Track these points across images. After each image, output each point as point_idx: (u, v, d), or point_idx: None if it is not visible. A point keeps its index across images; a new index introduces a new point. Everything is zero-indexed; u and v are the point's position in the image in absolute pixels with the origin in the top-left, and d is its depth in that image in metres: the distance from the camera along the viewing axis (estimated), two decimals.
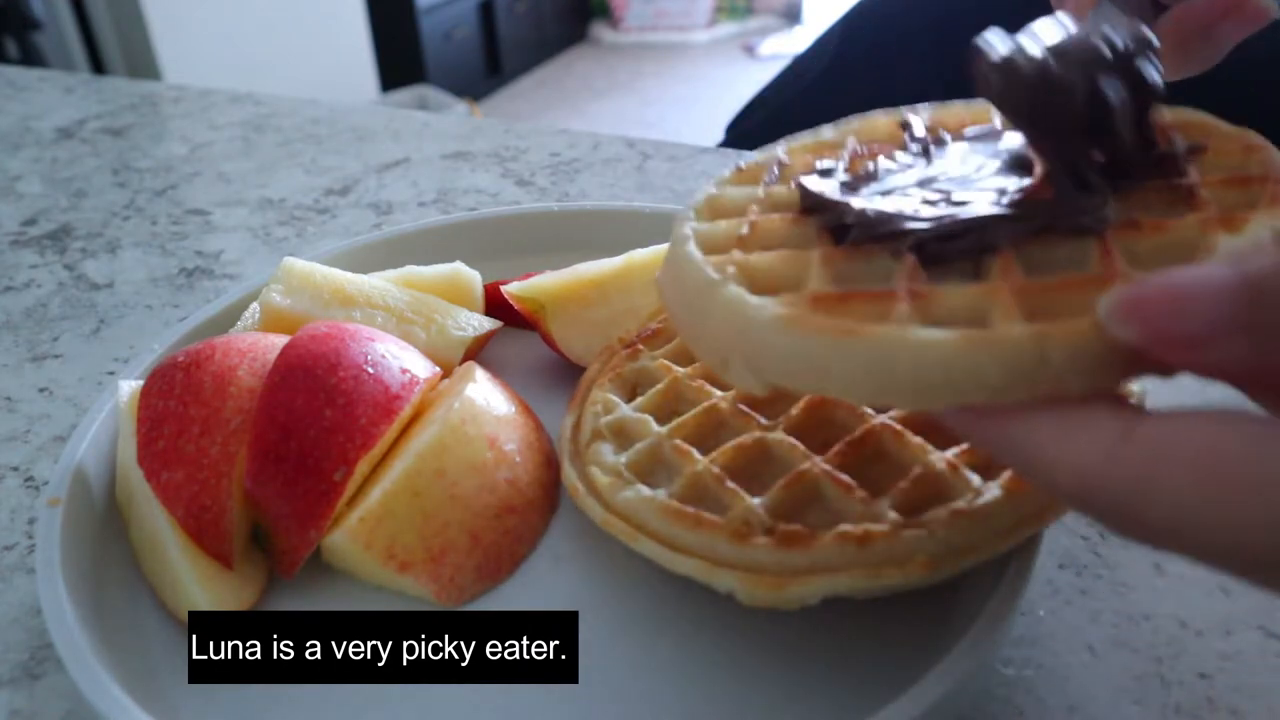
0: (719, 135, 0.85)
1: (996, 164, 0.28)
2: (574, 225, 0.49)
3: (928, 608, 0.30)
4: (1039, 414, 0.21)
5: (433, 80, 2.98)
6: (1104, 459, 0.19)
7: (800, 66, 0.83)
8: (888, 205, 0.26)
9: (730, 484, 0.30)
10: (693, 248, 0.28)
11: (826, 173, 0.30)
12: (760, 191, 0.31)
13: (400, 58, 2.99)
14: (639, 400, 0.35)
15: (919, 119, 0.32)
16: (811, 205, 0.28)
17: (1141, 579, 0.33)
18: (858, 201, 0.27)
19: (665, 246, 0.42)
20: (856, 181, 0.29)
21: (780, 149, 0.34)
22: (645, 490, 0.31)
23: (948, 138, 0.31)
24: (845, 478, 0.29)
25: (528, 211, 0.50)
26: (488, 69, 3.43)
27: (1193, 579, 0.33)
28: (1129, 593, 0.33)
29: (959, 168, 0.28)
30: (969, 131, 0.31)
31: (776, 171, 0.32)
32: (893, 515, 0.27)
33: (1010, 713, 0.29)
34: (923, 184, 0.28)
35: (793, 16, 4.01)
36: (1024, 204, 0.25)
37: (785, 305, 0.24)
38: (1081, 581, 0.33)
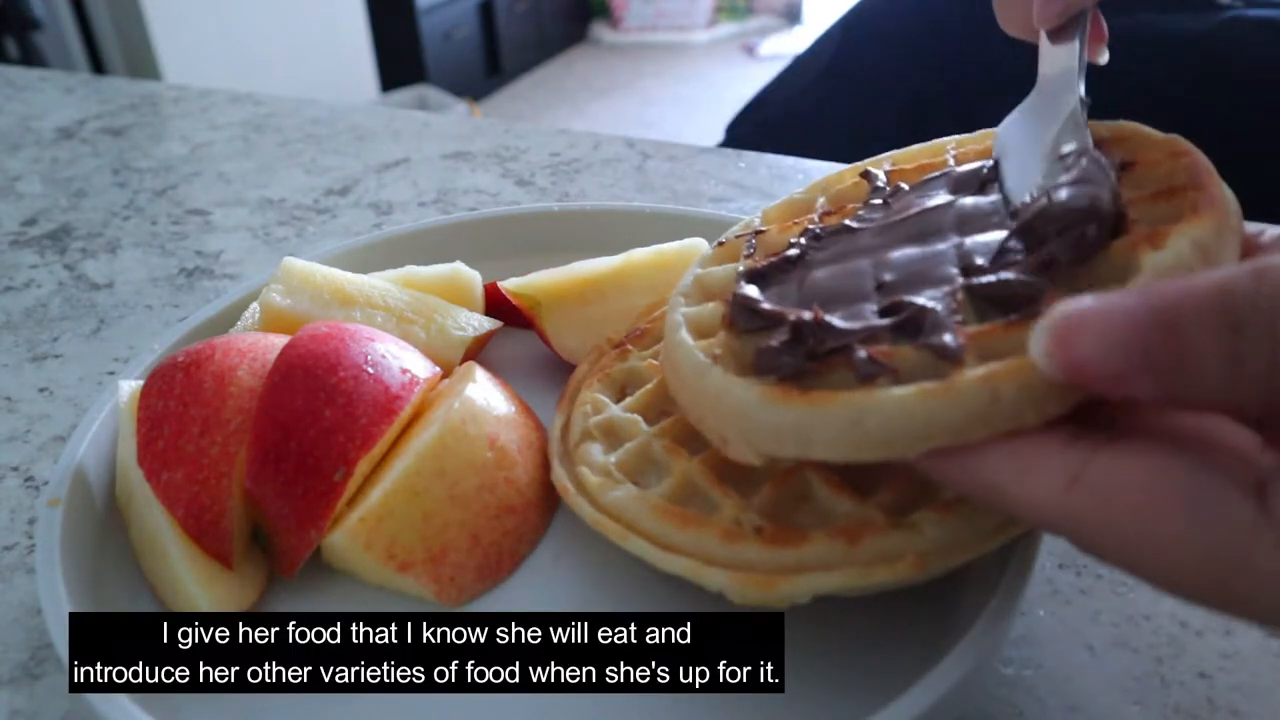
0: (719, 135, 0.85)
1: (951, 223, 0.30)
2: (574, 225, 0.49)
3: (927, 608, 0.30)
4: (996, 458, 0.23)
5: (433, 80, 2.98)
6: (1056, 503, 0.21)
7: (800, 66, 0.83)
8: (832, 315, 0.28)
9: (720, 483, 0.30)
10: (684, 334, 0.31)
11: (762, 276, 0.32)
12: (741, 267, 0.33)
13: (400, 58, 2.99)
14: (628, 400, 0.35)
15: (880, 171, 0.36)
16: (749, 328, 0.30)
17: None
18: (793, 315, 0.28)
19: (665, 247, 0.42)
20: (791, 273, 0.31)
21: (757, 218, 0.37)
22: (635, 489, 0.31)
23: (906, 189, 0.34)
24: (835, 477, 0.29)
25: (528, 211, 0.50)
26: (488, 69, 3.43)
27: None
28: (1129, 593, 0.33)
29: (911, 239, 0.31)
30: (928, 179, 0.34)
31: (754, 243, 0.34)
32: (882, 514, 0.27)
33: (1010, 713, 0.29)
34: (875, 270, 0.30)
35: (793, 16, 4.01)
36: (974, 292, 0.27)
37: (766, 383, 0.27)
38: (1081, 581, 0.33)
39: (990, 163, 0.33)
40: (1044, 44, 0.33)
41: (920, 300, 0.27)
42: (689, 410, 0.30)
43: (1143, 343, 0.19)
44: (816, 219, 0.34)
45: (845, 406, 0.25)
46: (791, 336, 0.27)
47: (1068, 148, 0.29)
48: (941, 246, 0.29)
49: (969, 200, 0.31)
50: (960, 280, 0.27)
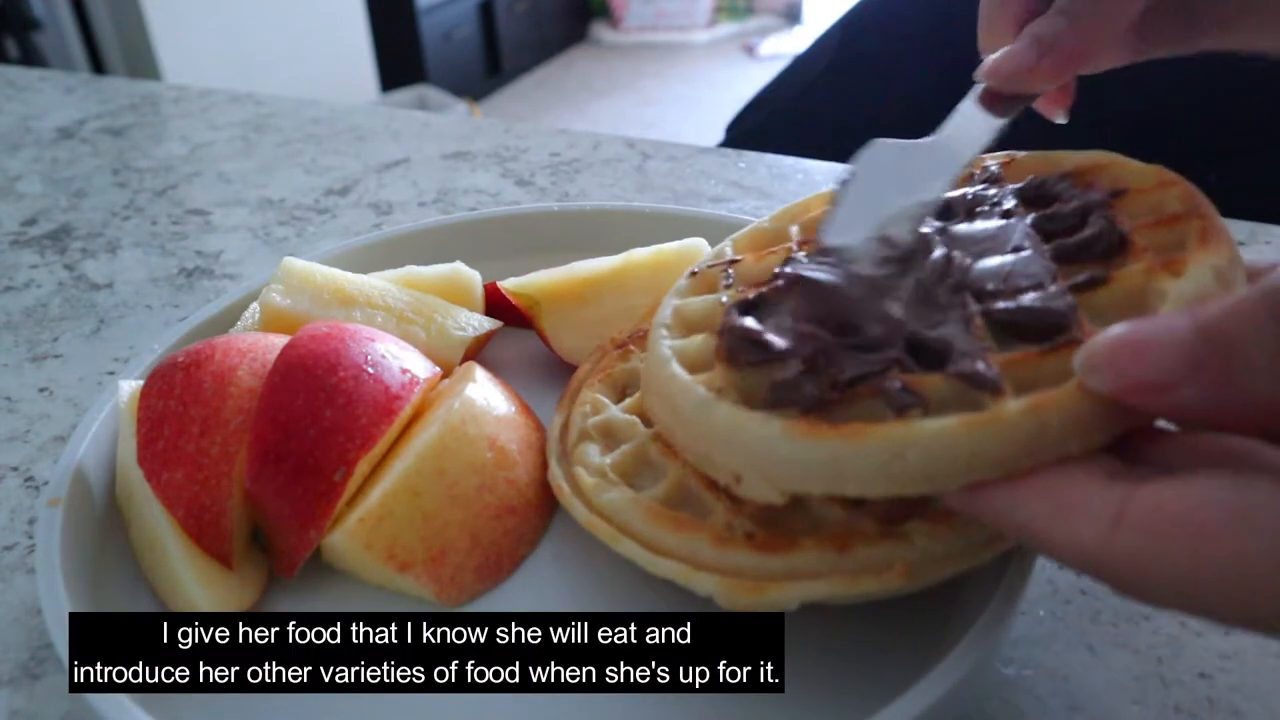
0: (719, 135, 0.85)
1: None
2: (574, 225, 0.49)
3: (928, 608, 0.30)
4: (1035, 500, 0.23)
5: (433, 80, 2.98)
6: (1100, 545, 0.21)
7: (800, 66, 0.83)
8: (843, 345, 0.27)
9: (713, 488, 0.30)
10: (677, 368, 0.29)
11: (754, 306, 0.31)
12: (723, 298, 0.32)
13: (400, 58, 2.99)
14: (627, 401, 0.35)
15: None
16: (752, 360, 0.28)
17: None
18: (806, 344, 0.27)
19: (665, 247, 0.42)
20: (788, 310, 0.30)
21: (728, 246, 0.36)
22: (629, 492, 0.31)
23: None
24: None
25: (528, 211, 0.50)
26: (488, 69, 3.43)
27: None
28: None
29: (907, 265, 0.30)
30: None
31: (731, 274, 0.33)
32: (873, 523, 0.27)
33: (1010, 713, 0.29)
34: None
35: (793, 16, 4.01)
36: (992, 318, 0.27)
37: (787, 417, 0.25)
38: (1081, 581, 0.33)
39: (973, 190, 0.33)
40: (971, 103, 0.33)
41: (940, 329, 0.26)
42: (688, 448, 0.29)
43: (1192, 355, 0.20)
44: (796, 247, 0.33)
45: (884, 440, 0.24)
46: (807, 367, 0.26)
47: (895, 232, 0.30)
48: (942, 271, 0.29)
49: (961, 226, 0.31)
50: (975, 307, 0.27)
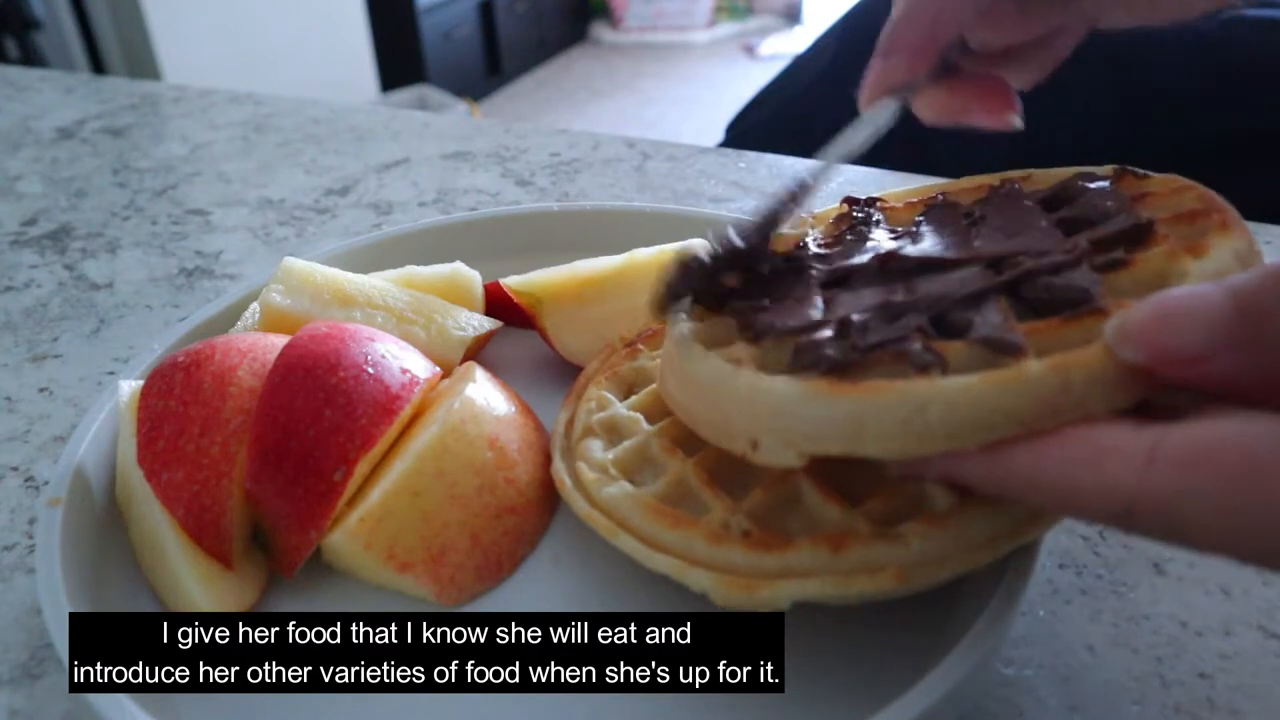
0: (719, 135, 0.85)
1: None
2: (574, 225, 0.49)
3: (928, 608, 0.30)
4: (1068, 449, 0.22)
5: (433, 80, 2.98)
6: (1137, 481, 0.20)
7: (800, 66, 0.83)
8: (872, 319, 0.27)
9: (712, 485, 0.30)
10: (696, 345, 0.29)
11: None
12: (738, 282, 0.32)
13: (400, 58, 2.99)
14: (632, 399, 0.35)
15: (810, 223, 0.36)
16: (778, 332, 0.28)
17: (1141, 579, 0.33)
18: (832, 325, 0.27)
19: (667, 247, 0.42)
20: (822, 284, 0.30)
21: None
22: (629, 487, 0.31)
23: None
24: (826, 484, 0.29)
25: (528, 211, 0.50)
26: (488, 69, 3.43)
27: (1192, 579, 0.33)
28: (1129, 593, 0.33)
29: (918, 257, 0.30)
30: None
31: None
32: (869, 524, 0.27)
33: (1010, 713, 0.29)
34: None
35: (793, 16, 4.01)
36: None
37: (809, 378, 0.25)
38: (1081, 581, 0.33)
39: (993, 199, 0.33)
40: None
41: (962, 305, 0.26)
42: (705, 420, 0.28)
43: (1226, 324, 0.20)
44: (812, 237, 0.34)
45: (905, 395, 0.23)
46: (836, 333, 0.26)
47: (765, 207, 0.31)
48: (955, 263, 0.29)
49: (985, 223, 0.31)
50: (996, 281, 0.27)
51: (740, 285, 0.32)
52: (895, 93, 0.34)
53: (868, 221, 0.34)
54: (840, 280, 0.30)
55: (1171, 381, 0.22)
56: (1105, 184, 0.31)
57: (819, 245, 0.33)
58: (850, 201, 0.36)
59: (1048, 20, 0.34)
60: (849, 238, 0.33)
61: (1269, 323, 0.20)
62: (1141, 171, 0.31)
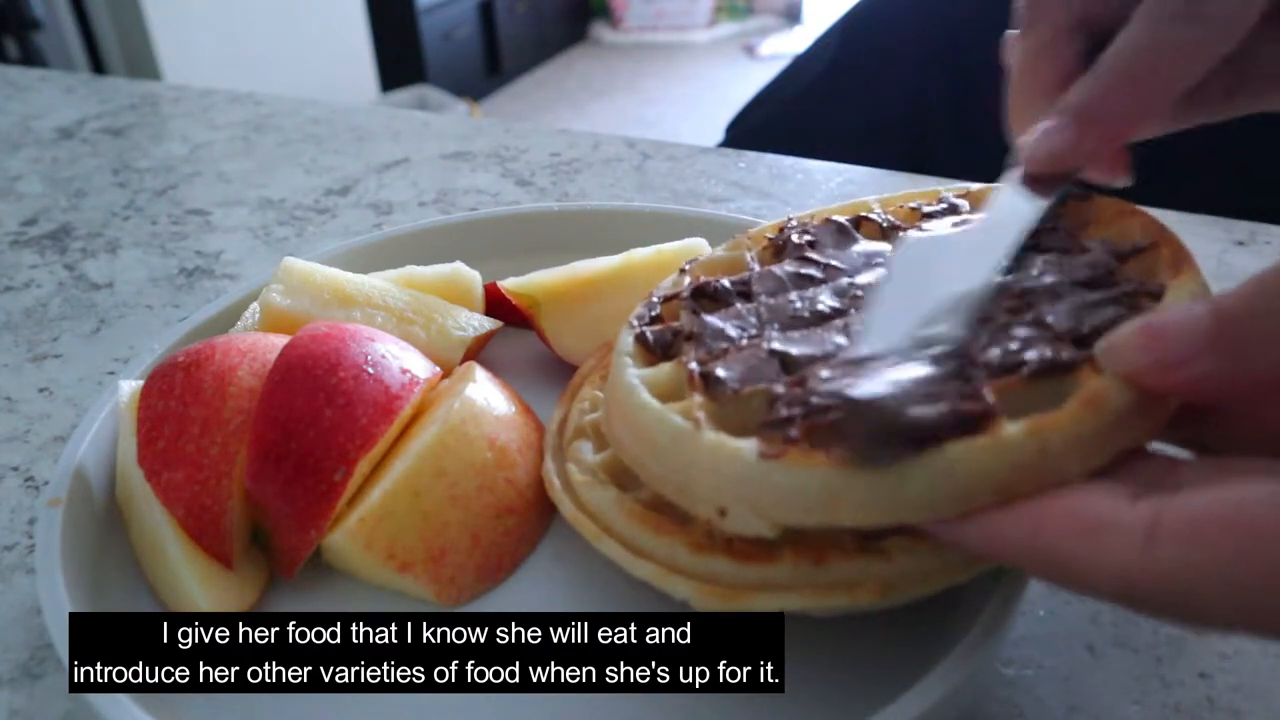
0: (719, 135, 0.85)
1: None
2: (574, 225, 0.49)
3: (928, 608, 0.30)
4: (1058, 528, 0.21)
5: (433, 80, 2.98)
6: (1139, 560, 0.20)
7: (800, 66, 0.83)
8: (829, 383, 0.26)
9: None
10: (647, 396, 0.28)
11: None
12: (685, 325, 0.32)
13: (400, 58, 2.99)
14: None
15: (795, 223, 0.35)
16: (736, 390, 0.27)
17: None
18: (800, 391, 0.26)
19: (665, 247, 0.42)
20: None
21: (682, 275, 0.35)
22: (615, 491, 0.31)
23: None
24: None
25: (528, 211, 0.50)
26: (488, 69, 3.43)
27: None
28: None
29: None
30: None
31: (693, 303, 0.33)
32: (852, 538, 0.27)
33: (1010, 713, 0.29)
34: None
35: (793, 16, 4.01)
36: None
37: (774, 444, 0.24)
38: None
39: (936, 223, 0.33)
40: (1010, 187, 0.31)
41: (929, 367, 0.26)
42: (663, 480, 0.28)
43: (1205, 329, 0.21)
44: (755, 266, 0.33)
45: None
46: (798, 397, 0.26)
47: (936, 331, 0.27)
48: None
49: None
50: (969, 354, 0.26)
51: (687, 327, 0.31)
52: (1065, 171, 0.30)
53: (813, 245, 0.34)
54: (793, 323, 0.29)
55: (1155, 391, 0.23)
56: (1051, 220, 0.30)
57: (763, 277, 0.32)
58: (786, 225, 0.35)
59: (1221, 110, 0.32)
60: (793, 268, 0.32)
61: (1253, 326, 0.21)
62: (1084, 192, 0.31)
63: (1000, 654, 0.31)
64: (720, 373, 0.28)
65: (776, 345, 0.29)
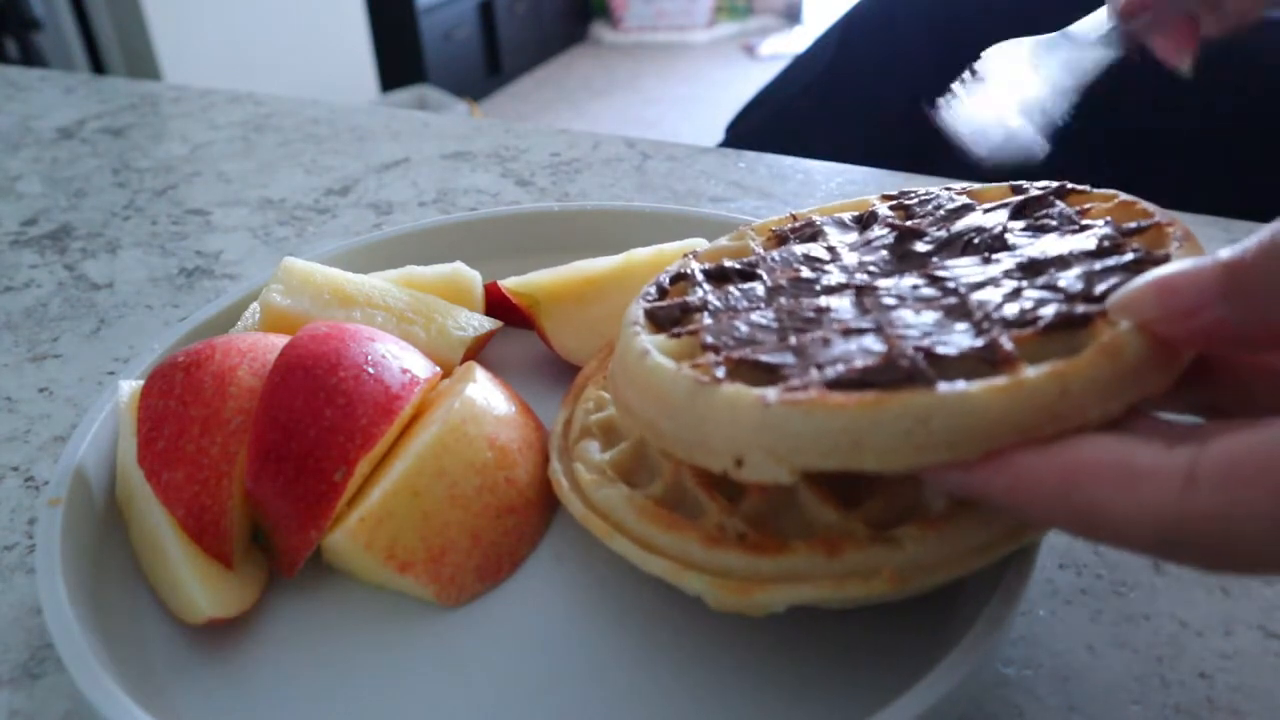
0: (719, 135, 0.85)
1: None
2: (574, 225, 0.49)
3: (928, 607, 0.30)
4: (1094, 475, 0.21)
5: (433, 80, 2.98)
6: (1177, 504, 0.19)
7: (800, 66, 0.83)
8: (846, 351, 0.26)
9: (708, 488, 0.29)
10: (661, 357, 0.28)
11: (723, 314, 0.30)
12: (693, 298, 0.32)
13: (400, 58, 2.99)
14: None
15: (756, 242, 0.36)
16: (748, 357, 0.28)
17: (1141, 579, 0.33)
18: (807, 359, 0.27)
19: (665, 247, 0.42)
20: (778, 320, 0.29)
21: (689, 259, 0.35)
22: (625, 489, 0.31)
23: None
24: (823, 487, 0.28)
25: (528, 211, 0.50)
26: (488, 69, 3.43)
27: (1193, 579, 0.33)
28: (1129, 593, 0.33)
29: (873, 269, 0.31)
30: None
31: (701, 279, 0.33)
32: (865, 527, 0.27)
33: (1010, 713, 0.29)
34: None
35: (793, 16, 4.01)
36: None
37: (794, 390, 0.25)
38: (1081, 581, 0.33)
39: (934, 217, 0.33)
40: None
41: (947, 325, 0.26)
42: (677, 438, 0.27)
43: (1215, 278, 0.21)
44: (762, 250, 0.34)
45: (906, 407, 0.23)
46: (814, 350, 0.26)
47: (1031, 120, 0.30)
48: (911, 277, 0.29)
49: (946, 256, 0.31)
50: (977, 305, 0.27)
51: (698, 300, 0.31)
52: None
53: (815, 237, 0.35)
54: (804, 293, 0.30)
55: (1168, 338, 0.23)
56: (1060, 205, 0.32)
57: (770, 258, 0.33)
58: (794, 216, 0.36)
59: None
60: (801, 249, 0.33)
61: (1254, 278, 0.21)
62: (1080, 187, 0.32)
63: (1000, 654, 0.31)
64: (734, 335, 0.28)
65: (789, 311, 0.29)
